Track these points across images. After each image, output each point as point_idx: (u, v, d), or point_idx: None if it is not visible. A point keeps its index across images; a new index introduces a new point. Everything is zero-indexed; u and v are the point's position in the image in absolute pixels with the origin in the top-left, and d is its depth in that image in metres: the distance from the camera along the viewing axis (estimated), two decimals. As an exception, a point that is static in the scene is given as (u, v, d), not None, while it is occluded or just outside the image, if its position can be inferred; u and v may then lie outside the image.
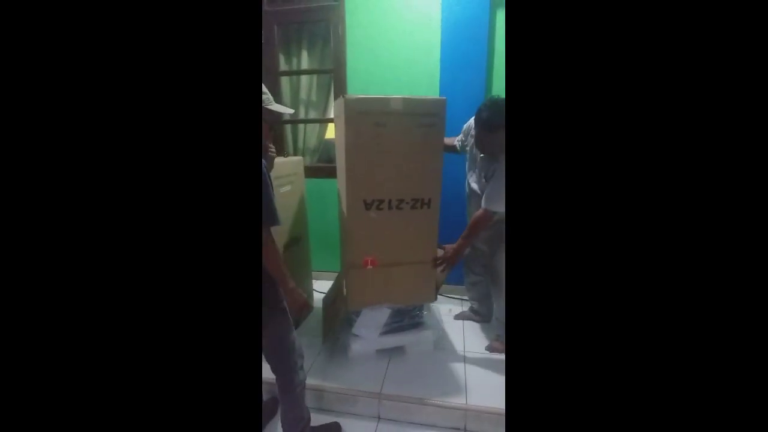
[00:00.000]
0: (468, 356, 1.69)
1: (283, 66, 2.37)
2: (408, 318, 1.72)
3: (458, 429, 1.39)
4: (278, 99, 2.31)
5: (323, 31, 2.28)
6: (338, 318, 1.68)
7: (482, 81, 1.97)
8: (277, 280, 1.06)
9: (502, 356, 1.66)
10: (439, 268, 1.61)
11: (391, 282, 1.55)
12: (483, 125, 1.38)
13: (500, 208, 1.46)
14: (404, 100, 1.35)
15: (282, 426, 1.22)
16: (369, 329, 1.67)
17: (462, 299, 2.16)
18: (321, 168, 2.41)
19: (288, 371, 1.16)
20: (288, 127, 2.48)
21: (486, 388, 1.48)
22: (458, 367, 1.61)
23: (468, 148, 1.65)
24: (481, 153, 1.53)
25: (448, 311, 2.08)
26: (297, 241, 1.88)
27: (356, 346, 1.66)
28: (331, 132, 2.49)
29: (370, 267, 1.50)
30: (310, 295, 2.14)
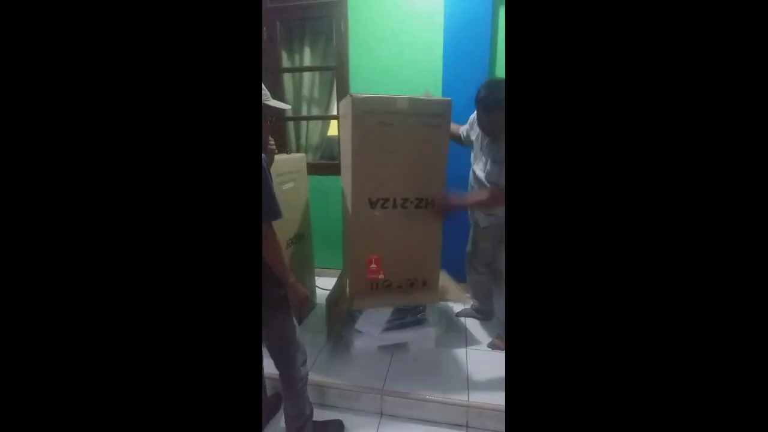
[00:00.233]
0: (470, 353, 1.71)
1: (285, 63, 2.36)
2: (410, 315, 1.73)
3: (460, 425, 1.41)
4: (281, 96, 2.30)
5: (326, 28, 2.27)
6: (341, 317, 1.70)
7: (485, 78, 1.95)
8: (278, 274, 1.07)
9: (504, 353, 1.67)
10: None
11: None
12: (482, 105, 1.40)
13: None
14: (410, 100, 1.35)
15: (285, 421, 1.24)
16: (372, 326, 1.68)
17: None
18: (324, 165, 2.41)
19: (290, 366, 1.17)
20: (291, 124, 2.47)
21: (488, 385, 1.49)
22: (460, 364, 1.63)
23: (474, 138, 1.65)
24: (484, 133, 1.53)
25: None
26: (300, 237, 1.89)
27: (359, 343, 1.68)
28: (333, 129, 2.49)
29: (372, 277, 1.51)
30: (313, 292, 2.15)
